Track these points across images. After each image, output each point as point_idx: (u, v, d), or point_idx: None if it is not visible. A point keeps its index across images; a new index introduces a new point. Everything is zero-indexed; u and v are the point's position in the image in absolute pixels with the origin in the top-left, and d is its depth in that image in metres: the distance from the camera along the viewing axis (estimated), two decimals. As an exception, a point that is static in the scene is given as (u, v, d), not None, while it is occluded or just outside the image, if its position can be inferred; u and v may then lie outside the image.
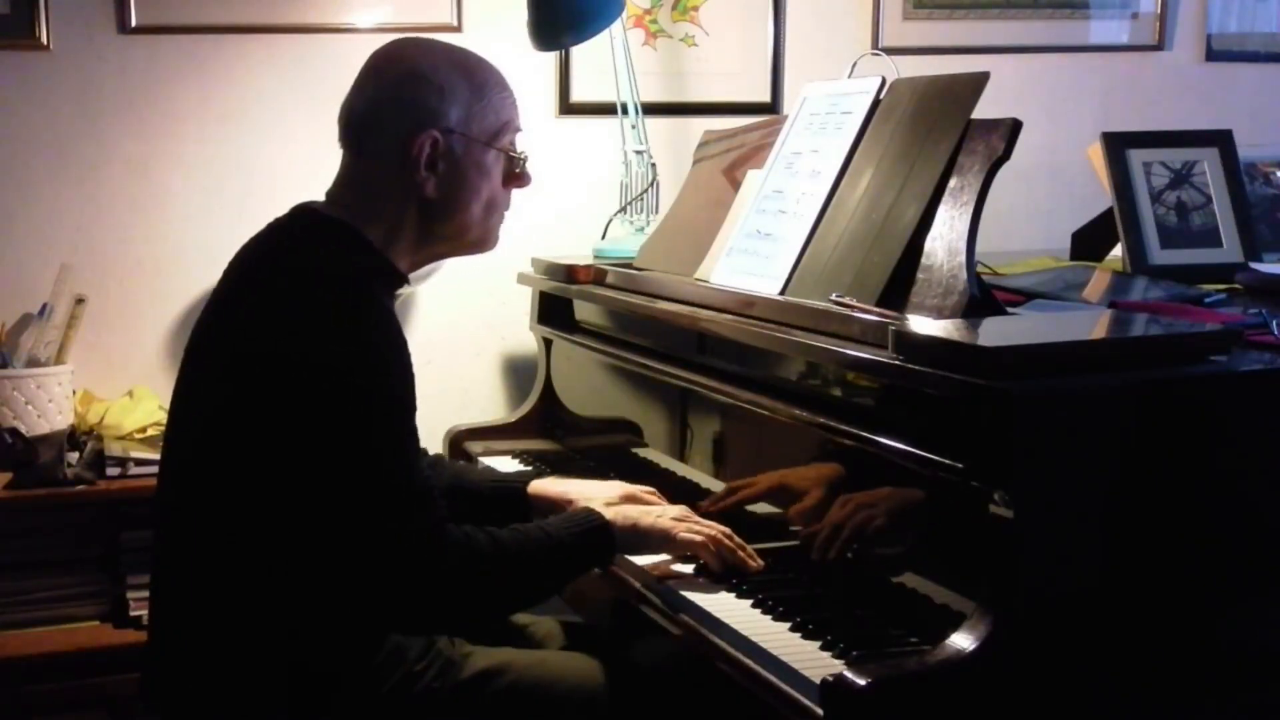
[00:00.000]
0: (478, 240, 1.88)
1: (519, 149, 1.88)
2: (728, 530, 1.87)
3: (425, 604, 1.69)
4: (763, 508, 1.98)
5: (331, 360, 1.64)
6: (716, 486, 2.10)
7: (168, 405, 1.86)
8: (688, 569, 1.87)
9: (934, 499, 1.59)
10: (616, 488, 2.02)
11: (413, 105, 1.78)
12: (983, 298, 1.74)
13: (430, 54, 1.85)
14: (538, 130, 2.95)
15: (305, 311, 1.67)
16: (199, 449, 1.74)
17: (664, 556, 1.89)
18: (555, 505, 1.99)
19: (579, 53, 2.91)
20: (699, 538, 1.84)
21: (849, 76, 2.18)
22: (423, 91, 1.78)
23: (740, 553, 1.84)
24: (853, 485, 1.76)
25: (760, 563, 1.84)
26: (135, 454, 2.51)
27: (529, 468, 2.48)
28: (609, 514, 1.85)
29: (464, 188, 1.81)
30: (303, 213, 1.83)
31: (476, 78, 1.83)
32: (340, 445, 1.64)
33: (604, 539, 1.82)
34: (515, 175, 1.87)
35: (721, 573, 1.83)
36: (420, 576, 1.66)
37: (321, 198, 1.86)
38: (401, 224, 1.81)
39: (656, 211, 2.72)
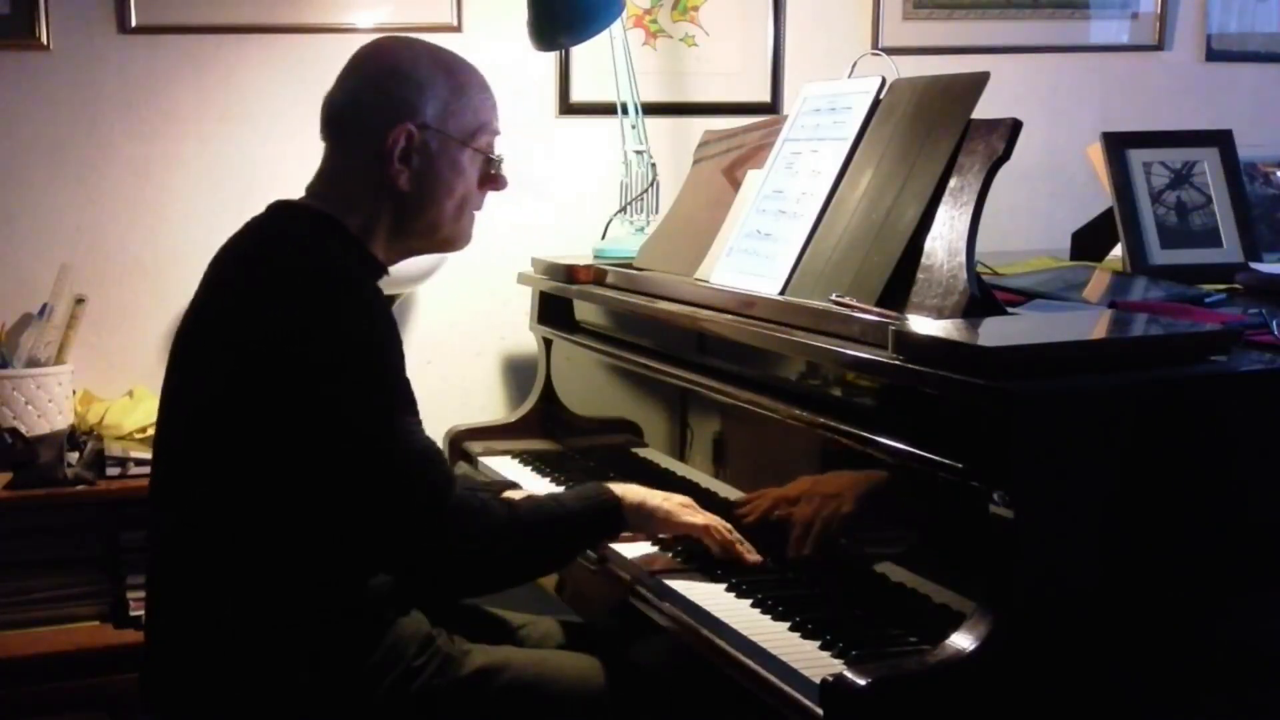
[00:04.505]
0: (448, 238, 1.90)
1: (496, 152, 1.90)
2: (728, 524, 1.90)
3: (443, 564, 1.72)
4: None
5: (323, 337, 1.66)
6: (717, 486, 2.10)
7: (166, 406, 1.87)
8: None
9: (934, 499, 1.59)
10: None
11: (390, 99, 1.81)
12: (983, 298, 1.74)
13: (412, 51, 1.87)
14: (538, 130, 2.96)
15: (293, 293, 1.69)
16: (194, 444, 1.75)
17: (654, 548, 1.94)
18: None
19: (579, 53, 2.91)
20: (700, 520, 1.89)
21: (849, 76, 2.19)
22: (401, 86, 1.81)
23: (740, 545, 1.88)
24: (853, 485, 1.76)
25: (759, 557, 1.86)
26: (135, 454, 2.51)
27: (528, 467, 2.49)
28: (618, 490, 1.88)
29: (436, 184, 1.83)
30: (280, 207, 1.85)
31: (457, 77, 1.85)
32: (342, 419, 1.66)
33: (614, 514, 1.86)
34: (491, 177, 1.90)
35: (719, 562, 1.86)
36: (437, 536, 1.70)
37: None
38: (376, 217, 1.83)
39: (656, 211, 2.72)
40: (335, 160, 1.86)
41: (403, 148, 1.79)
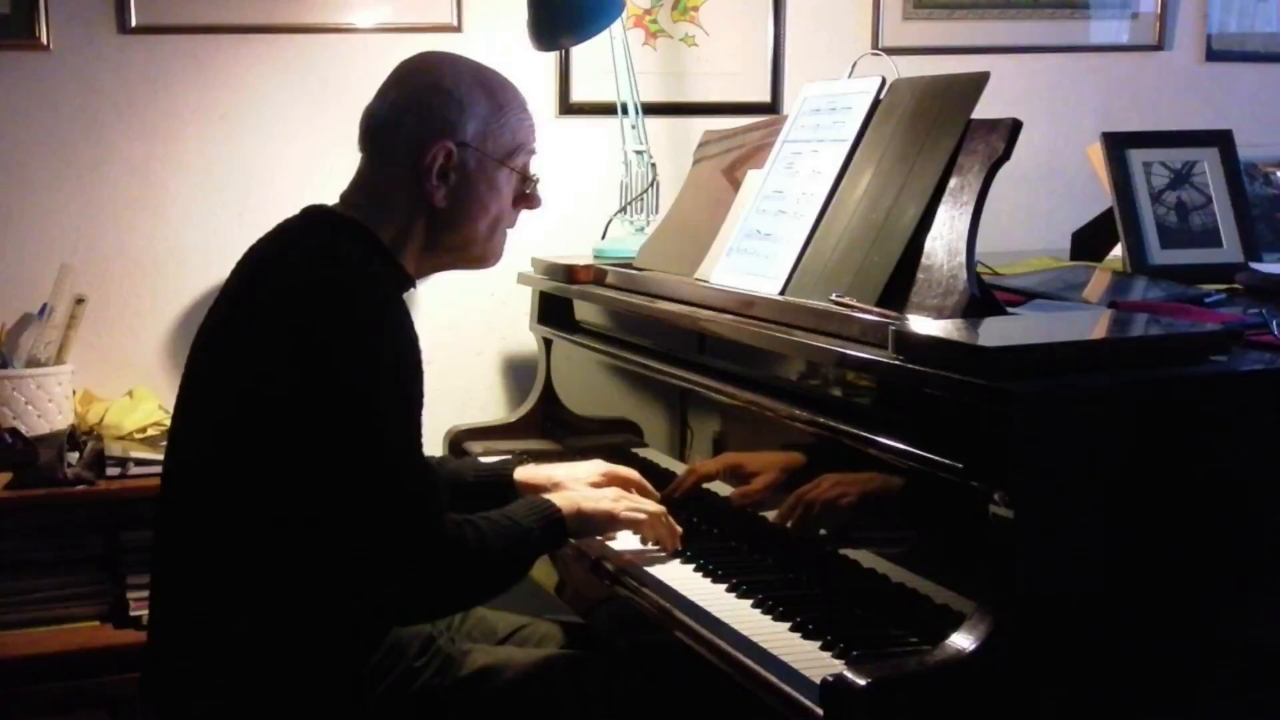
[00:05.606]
0: (480, 256, 1.92)
1: (532, 172, 1.91)
2: (663, 509, 1.96)
3: (423, 591, 1.71)
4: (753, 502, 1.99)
5: (345, 352, 1.66)
6: (717, 486, 2.10)
7: (168, 405, 1.87)
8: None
9: (933, 499, 1.59)
10: (596, 467, 2.07)
11: (431, 115, 1.81)
12: (983, 298, 1.74)
13: (455, 68, 1.87)
14: (538, 130, 2.95)
15: (317, 296, 1.68)
16: (209, 446, 1.75)
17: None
18: (542, 491, 2.04)
19: (579, 53, 2.91)
20: (642, 515, 1.93)
21: (849, 76, 2.19)
22: (443, 102, 1.81)
23: (675, 534, 1.94)
24: (853, 485, 1.76)
25: (679, 545, 1.94)
26: (135, 454, 2.51)
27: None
28: (559, 502, 1.89)
29: (472, 201, 1.84)
30: (314, 212, 1.85)
31: (498, 97, 1.87)
32: (350, 436, 1.65)
33: (559, 526, 1.87)
34: (525, 196, 1.93)
35: (664, 549, 1.94)
36: (420, 565, 1.68)
37: (321, 198, 1.88)
38: (410, 230, 1.84)
39: (656, 211, 2.72)
40: (371, 171, 1.86)
41: (441, 165, 1.80)
